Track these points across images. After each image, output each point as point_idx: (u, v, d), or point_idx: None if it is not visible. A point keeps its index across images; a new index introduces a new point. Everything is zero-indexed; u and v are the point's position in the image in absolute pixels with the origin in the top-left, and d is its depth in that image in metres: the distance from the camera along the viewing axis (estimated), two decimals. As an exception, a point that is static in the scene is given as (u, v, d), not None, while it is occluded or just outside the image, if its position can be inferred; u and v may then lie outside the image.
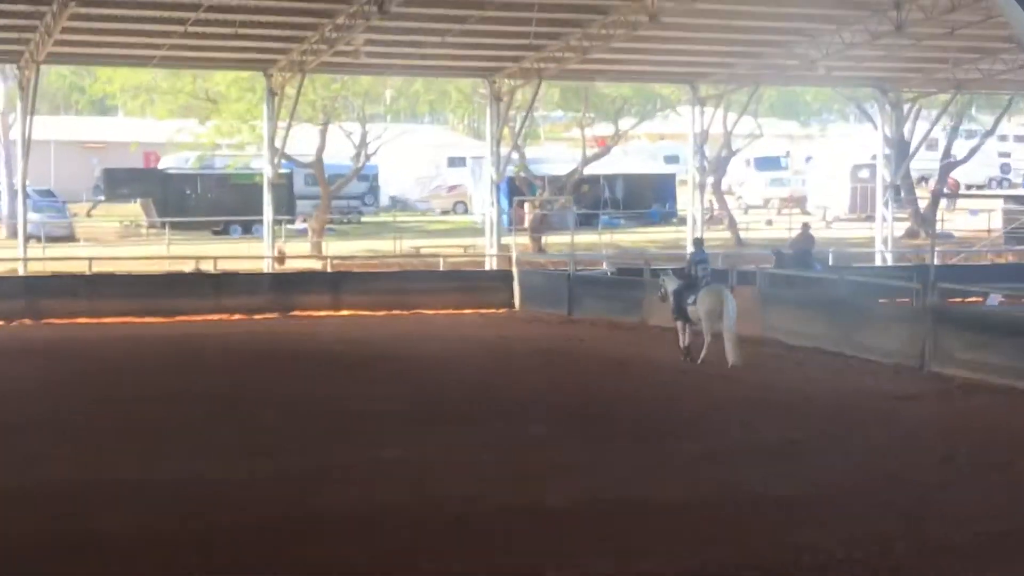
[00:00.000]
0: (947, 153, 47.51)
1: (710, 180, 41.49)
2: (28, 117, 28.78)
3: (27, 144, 28.87)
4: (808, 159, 60.22)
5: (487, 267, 32.55)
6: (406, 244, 40.76)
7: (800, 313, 22.11)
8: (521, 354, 21.49)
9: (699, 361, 19.39)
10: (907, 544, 9.65)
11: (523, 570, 9.15)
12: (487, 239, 33.40)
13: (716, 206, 47.71)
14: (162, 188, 47.02)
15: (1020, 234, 40.37)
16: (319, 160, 40.48)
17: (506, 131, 34.99)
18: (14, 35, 27.45)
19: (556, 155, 53.88)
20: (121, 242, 43.29)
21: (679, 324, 20.16)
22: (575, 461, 12.51)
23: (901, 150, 38.64)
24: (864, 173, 49.42)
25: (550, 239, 41.18)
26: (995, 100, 44.70)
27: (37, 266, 31.21)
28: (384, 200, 57.43)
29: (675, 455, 12.97)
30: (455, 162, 57.96)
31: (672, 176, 53.71)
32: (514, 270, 30.00)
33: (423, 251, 38.35)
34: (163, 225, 42.60)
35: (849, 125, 61.58)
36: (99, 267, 29.60)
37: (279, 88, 30.83)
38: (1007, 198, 45.70)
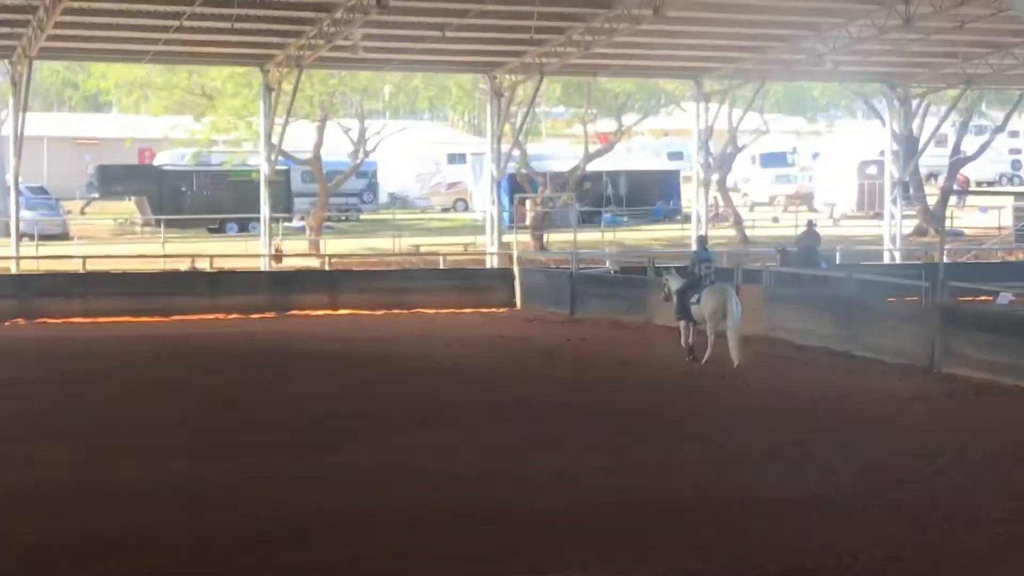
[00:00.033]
0: (956, 149, 47.49)
1: (715, 177, 41.48)
2: (21, 113, 28.82)
3: (20, 141, 28.89)
4: (815, 155, 60.20)
5: (488, 265, 32.58)
6: (405, 242, 40.77)
7: (807, 312, 22.10)
8: (522, 354, 21.48)
9: (703, 361, 19.37)
10: (916, 548, 9.63)
11: (523, 574, 9.14)
12: (488, 237, 33.42)
13: (721, 203, 47.71)
14: (157, 185, 47.03)
15: (1031, 232, 40.37)
16: (317, 157, 40.50)
17: (507, 127, 35.02)
18: (6, 30, 27.46)
19: (558, 151, 53.88)
20: (115, 240, 43.30)
21: (682, 324, 20.15)
22: (577, 463, 12.50)
23: (910, 146, 38.63)
24: (872, 170, 49.43)
25: (552, 237, 41.18)
26: (1005, 95, 44.67)
27: (30, 265, 31.23)
28: (383, 197, 57.46)
29: (678, 456, 12.96)
30: (455, 159, 57.96)
31: (676, 173, 53.71)
32: (515, 268, 30.02)
33: (423, 249, 38.37)
34: (158, 223, 42.61)
35: (857, 121, 61.56)
36: (93, 266, 29.62)
37: (276, 84, 30.85)
38: (1018, 195, 45.69)
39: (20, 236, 30.73)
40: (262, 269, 31.08)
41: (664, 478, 12.00)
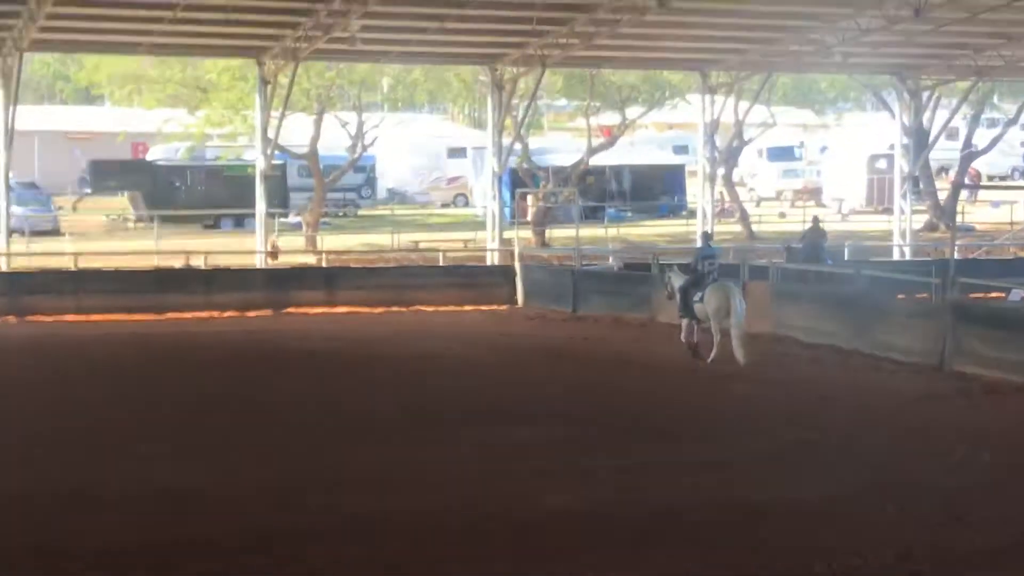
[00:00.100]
0: (968, 143, 47.45)
1: (721, 171, 41.47)
2: (11, 107, 28.80)
3: (10, 135, 28.88)
4: (823, 149, 60.17)
5: (489, 262, 32.56)
6: (404, 238, 40.75)
7: (815, 310, 22.10)
8: (524, 352, 21.49)
9: (709, 360, 19.37)
10: (926, 551, 9.64)
11: (525, 577, 9.17)
12: (489, 233, 33.41)
13: (727, 198, 47.69)
14: (150, 180, 47.00)
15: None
16: (314, 151, 40.48)
17: (508, 120, 35.00)
18: (-4, 21, 27.45)
19: (560, 145, 53.86)
20: (108, 236, 43.27)
21: (684, 322, 20.16)
22: (579, 465, 12.50)
23: (920, 140, 38.60)
24: (881, 164, 49.40)
25: (554, 233, 41.16)
26: (1018, 88, 44.68)
27: (21, 261, 31.24)
28: (381, 192, 57.43)
29: (683, 458, 12.96)
30: (455, 153, 57.95)
31: (681, 167, 53.69)
32: (517, 265, 30.01)
33: (422, 245, 38.36)
34: (151, 219, 42.52)
35: (866, 114, 61.53)
36: (85, 262, 29.63)
37: (272, 76, 30.82)
38: (1030, 189, 45.66)
39: (11, 232, 30.70)
40: (258, 266, 31.06)
41: (668, 479, 12.00)
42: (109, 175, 48.02)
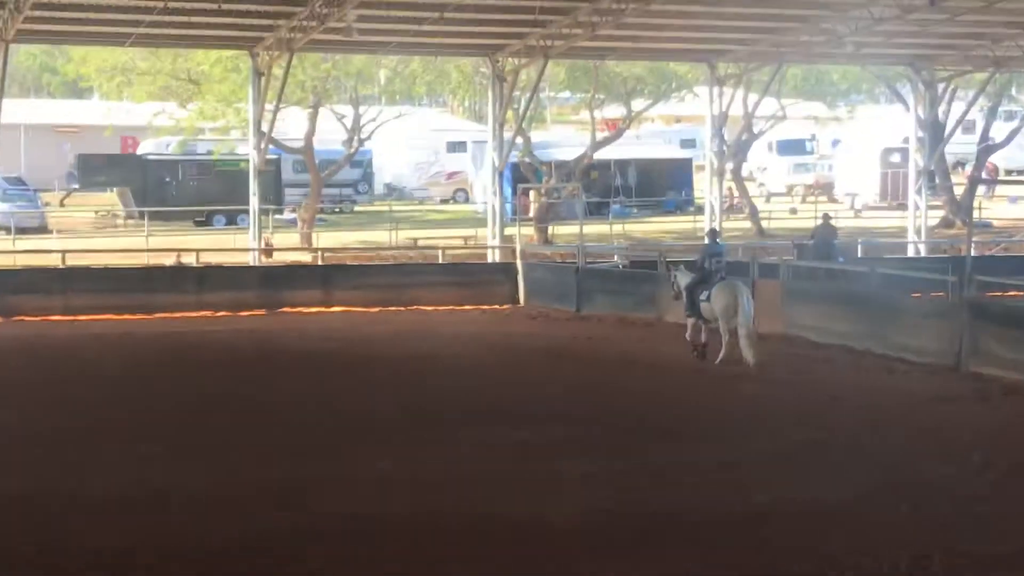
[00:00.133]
0: (985, 136, 47.46)
1: (729, 166, 41.45)
2: (-4, 99, 28.81)
3: (-5, 128, 28.90)
4: (835, 143, 60.18)
5: (489, 260, 32.57)
6: (402, 235, 40.79)
7: (826, 309, 22.11)
8: (525, 353, 21.51)
9: (718, 361, 19.38)
10: (942, 556, 9.66)
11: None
12: (489, 230, 33.43)
13: (736, 194, 47.69)
14: (140, 175, 47.04)
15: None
16: (309, 145, 40.50)
17: (510, 114, 35.00)
18: (-19, 11, 27.48)
19: (563, 139, 53.90)
20: (97, 233, 43.32)
21: (691, 321, 20.17)
22: (583, 468, 12.52)
23: (935, 133, 38.60)
24: (895, 158, 49.39)
25: (557, 230, 41.18)
26: (1036, 79, 44.67)
27: (6, 259, 31.26)
28: (379, 188, 57.47)
29: (692, 461, 12.98)
30: (455, 147, 57.97)
31: (688, 161, 53.70)
32: (518, 263, 30.01)
33: (421, 242, 38.37)
34: (141, 215, 42.65)
35: (879, 106, 61.47)
36: (73, 260, 29.64)
37: (266, 68, 30.84)
38: (1050, 184, 45.71)
39: (-4, 229, 30.77)
40: (251, 264, 31.08)
41: (675, 482, 12.03)
42: (98, 170, 48.06)
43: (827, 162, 57.94)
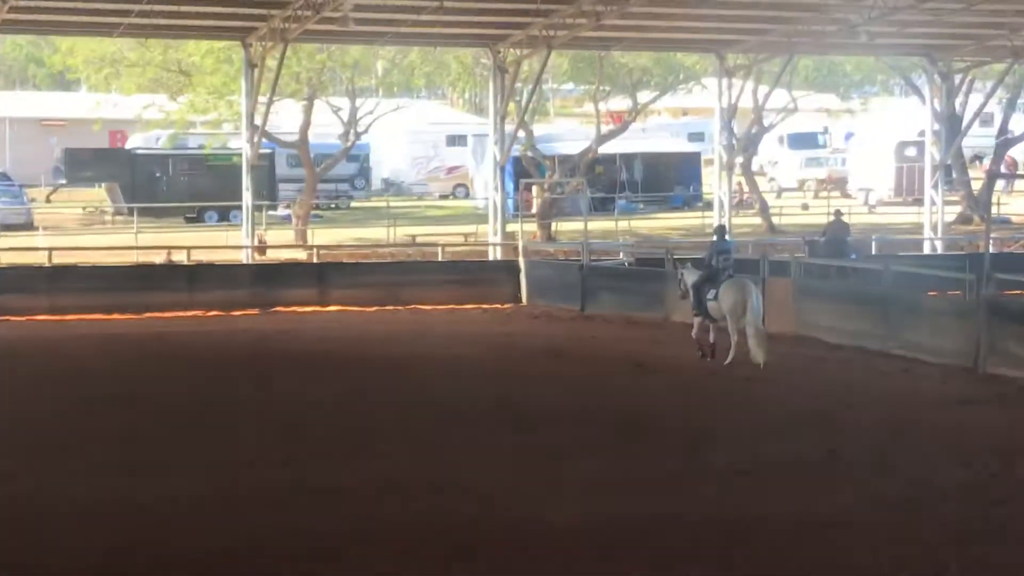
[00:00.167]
0: (1003, 129, 47.40)
1: (739, 160, 41.43)
2: (-20, 92, 28.81)
3: (-21, 122, 28.88)
4: (848, 136, 60.15)
5: (491, 257, 32.57)
6: (401, 232, 40.77)
7: (840, 308, 22.07)
8: (528, 354, 21.47)
9: (727, 362, 19.33)
10: (961, 566, 9.61)
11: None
12: (490, 226, 33.41)
13: (745, 189, 47.66)
14: (129, 170, 47.03)
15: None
16: (304, 139, 40.49)
17: (511, 106, 34.96)
18: (-36, 1, 27.43)
19: (567, 132, 53.87)
20: (84, 230, 43.32)
21: (697, 321, 20.14)
22: (588, 475, 12.49)
23: (952, 126, 38.55)
24: (911, 151, 49.35)
25: (560, 226, 41.15)
26: (1057, 70, 44.56)
27: (-9, 257, 31.27)
28: (376, 183, 57.46)
29: (700, 468, 12.93)
30: (455, 141, 57.98)
31: (697, 155, 53.70)
32: (520, 261, 30.00)
33: (419, 240, 38.37)
34: (131, 211, 42.63)
35: (894, 98, 61.48)
36: (60, 258, 29.63)
37: (259, 59, 30.81)
38: (1070, 179, 45.64)
39: (-20, 226, 30.77)
40: (244, 262, 31.08)
41: (684, 491, 11.97)
42: (85, 165, 48.06)
43: (840, 156, 57.93)
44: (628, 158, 50.24)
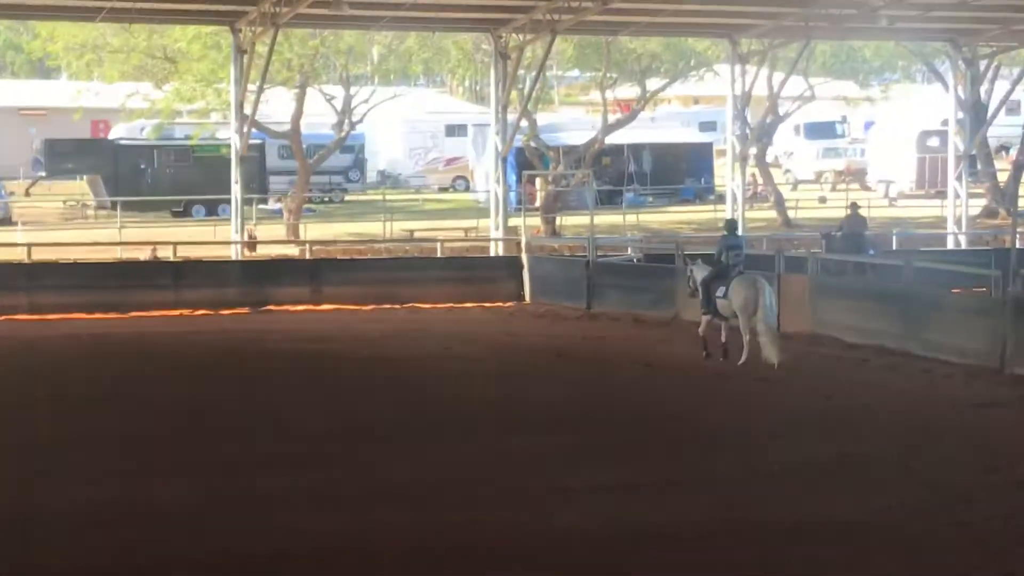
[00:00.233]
0: (1031, 118, 47.41)
1: (753, 151, 41.46)
2: (-44, 80, 28.85)
3: (-45, 111, 28.92)
4: (868, 126, 60.17)
5: (492, 253, 32.58)
6: (398, 227, 40.81)
7: (858, 306, 22.08)
8: (532, 354, 21.51)
9: (740, 363, 19.36)
10: (987, 574, 9.62)
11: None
12: (492, 220, 33.41)
13: (760, 181, 47.68)
14: (112, 162, 47.10)
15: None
16: (296, 129, 40.51)
17: (514, 94, 34.97)
18: (-61, -16, 27.47)
19: (572, 122, 53.90)
20: (65, 225, 43.36)
21: (705, 319, 20.18)
22: (593, 480, 12.51)
23: (977, 114, 38.54)
24: (933, 141, 49.38)
25: (565, 220, 41.18)
26: (1087, 55, 44.59)
27: (-33, 254, 31.31)
28: (371, 175, 57.51)
29: (711, 473, 12.96)
30: (454, 131, 58.02)
31: (708, 146, 53.73)
32: (523, 257, 30.02)
33: (417, 235, 38.40)
34: (114, 205, 42.67)
35: (916, 86, 61.48)
36: (40, 255, 29.64)
37: (248, 45, 30.81)
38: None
39: (-44, 221, 30.81)
40: (233, 258, 31.10)
41: (696, 496, 12.01)
42: (66, 156, 48.11)
43: (859, 146, 57.96)
44: (636, 149, 50.27)
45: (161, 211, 45.42)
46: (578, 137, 45.46)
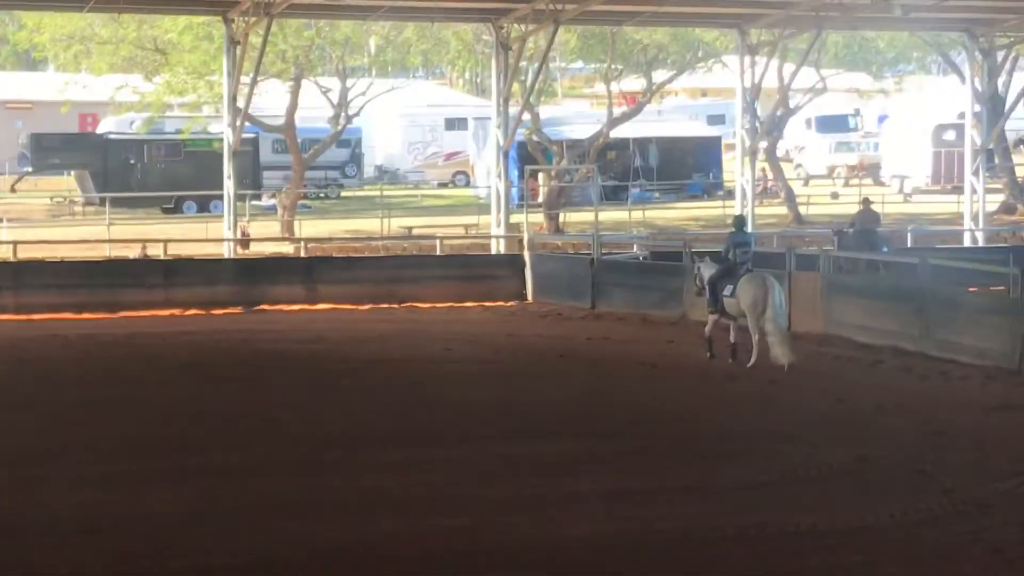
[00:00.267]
0: (1051, 110, 47.37)
1: (763, 145, 41.44)
2: (-61, 72, 28.86)
3: (-62, 105, 28.94)
4: (881, 119, 60.12)
5: (493, 251, 32.58)
6: (395, 223, 40.80)
7: (872, 305, 22.08)
8: (534, 356, 21.50)
9: (749, 364, 19.37)
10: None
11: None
12: (493, 217, 33.41)
13: (770, 176, 47.66)
14: (101, 157, 47.07)
15: None
16: (290, 122, 40.50)
17: (516, 86, 34.98)
18: (-79, -27, 27.48)
19: (576, 115, 53.90)
20: (52, 222, 43.37)
21: (712, 318, 20.19)
22: (598, 487, 12.52)
23: (994, 107, 38.54)
24: (949, 135, 49.32)
25: (569, 217, 41.16)
26: (1108, 46, 44.50)
27: (-49, 252, 31.31)
28: (369, 171, 57.48)
29: (721, 477, 12.97)
30: (454, 124, 58.00)
31: (717, 140, 53.71)
32: (526, 254, 30.01)
33: (416, 232, 38.39)
34: (102, 202, 42.66)
35: (931, 77, 61.41)
36: (26, 253, 29.65)
37: (242, 36, 30.81)
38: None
39: (-61, 218, 30.82)
40: (226, 256, 31.11)
41: (705, 503, 12.02)
42: (53, 151, 48.07)
43: (872, 140, 57.89)
44: (642, 143, 50.24)
45: (151, 208, 45.38)
46: (582, 131, 45.44)
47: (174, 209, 45.38)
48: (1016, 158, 47.96)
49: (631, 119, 44.16)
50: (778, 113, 45.08)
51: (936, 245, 33.24)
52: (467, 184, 54.30)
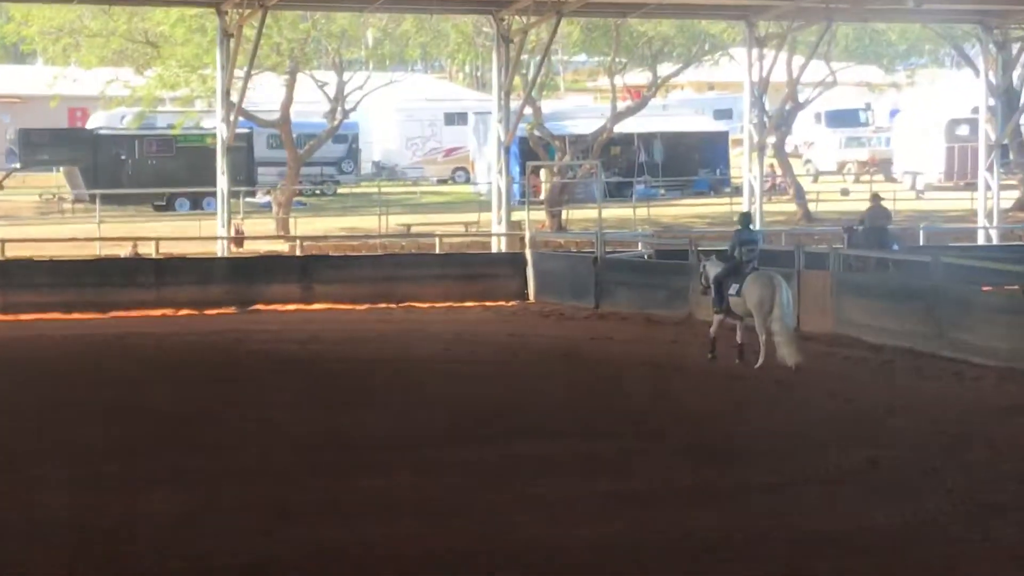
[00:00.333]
0: (1066, 105, 47.35)
1: (771, 140, 41.48)
2: (-75, 66, 28.90)
3: (-76, 99, 28.98)
4: (893, 113, 60.14)
5: (494, 249, 32.62)
6: (394, 221, 40.85)
7: (883, 305, 22.11)
8: (536, 356, 21.52)
9: (757, 365, 19.40)
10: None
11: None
12: (494, 214, 33.46)
13: (779, 172, 47.68)
14: (91, 153, 47.12)
15: None
16: (285, 117, 40.55)
17: (517, 80, 35.01)
18: (-93, -36, 27.51)
19: (579, 109, 53.90)
20: (41, 220, 43.41)
21: (717, 318, 20.24)
22: (604, 489, 12.55)
23: (1009, 101, 38.56)
24: (963, 130, 49.38)
25: (572, 214, 41.19)
26: None
27: (-63, 250, 31.33)
28: (366, 166, 57.51)
29: (728, 481, 13.00)
30: (454, 119, 58.04)
31: (724, 135, 53.76)
32: (527, 253, 30.05)
33: (415, 230, 38.41)
34: (92, 199, 42.72)
35: (944, 71, 61.40)
36: (14, 251, 29.68)
37: (235, 28, 30.86)
38: None
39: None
40: (219, 254, 31.15)
41: (710, 505, 12.04)
42: (41, 147, 48.12)
43: (884, 136, 57.90)
44: (647, 138, 50.28)
45: (142, 205, 45.45)
46: (585, 126, 45.46)
47: (166, 206, 45.44)
48: (1031, 154, 47.94)
49: (635, 114, 44.19)
50: (787, 107, 45.09)
51: (949, 243, 33.28)
52: (467, 180, 54.35)
